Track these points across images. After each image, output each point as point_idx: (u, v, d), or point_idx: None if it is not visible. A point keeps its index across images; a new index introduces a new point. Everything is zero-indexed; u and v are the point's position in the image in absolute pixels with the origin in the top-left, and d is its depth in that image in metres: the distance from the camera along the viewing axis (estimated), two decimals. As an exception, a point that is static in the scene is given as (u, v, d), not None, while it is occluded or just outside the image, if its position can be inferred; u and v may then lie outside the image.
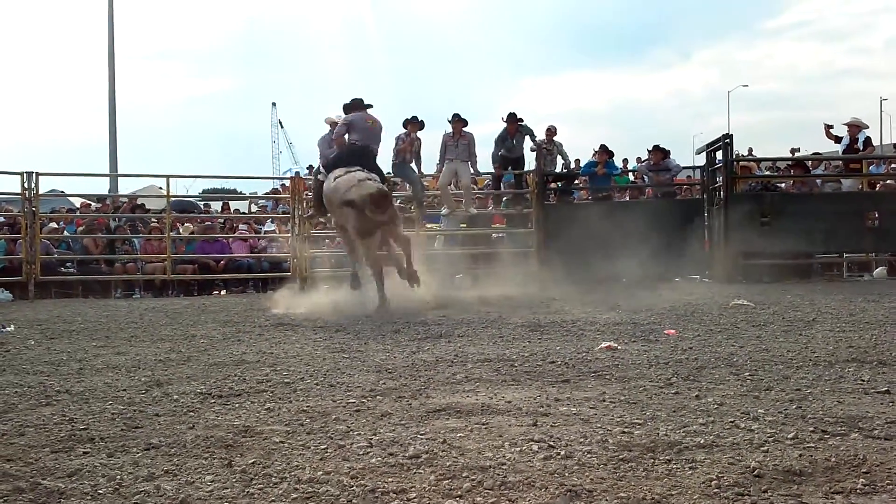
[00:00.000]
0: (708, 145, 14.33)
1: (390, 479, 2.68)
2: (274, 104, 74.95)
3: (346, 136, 10.01)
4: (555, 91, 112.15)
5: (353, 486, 2.62)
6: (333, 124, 12.96)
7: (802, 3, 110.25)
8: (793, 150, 18.76)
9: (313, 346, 6.00)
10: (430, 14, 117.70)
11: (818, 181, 14.57)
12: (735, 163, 13.87)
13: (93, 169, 49.24)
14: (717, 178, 13.61)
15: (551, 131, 14.46)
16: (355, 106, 10.20)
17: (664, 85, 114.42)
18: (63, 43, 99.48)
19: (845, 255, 14.01)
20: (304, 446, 3.12)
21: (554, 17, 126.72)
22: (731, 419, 3.39)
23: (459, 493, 2.55)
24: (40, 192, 13.01)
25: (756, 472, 2.67)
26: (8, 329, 7.58)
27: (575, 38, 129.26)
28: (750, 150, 21.42)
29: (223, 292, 13.67)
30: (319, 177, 9.95)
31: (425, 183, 14.17)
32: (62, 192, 17.95)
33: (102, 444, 3.22)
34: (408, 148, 13.23)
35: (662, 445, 3.00)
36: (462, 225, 14.23)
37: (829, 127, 13.99)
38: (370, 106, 10.21)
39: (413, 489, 2.58)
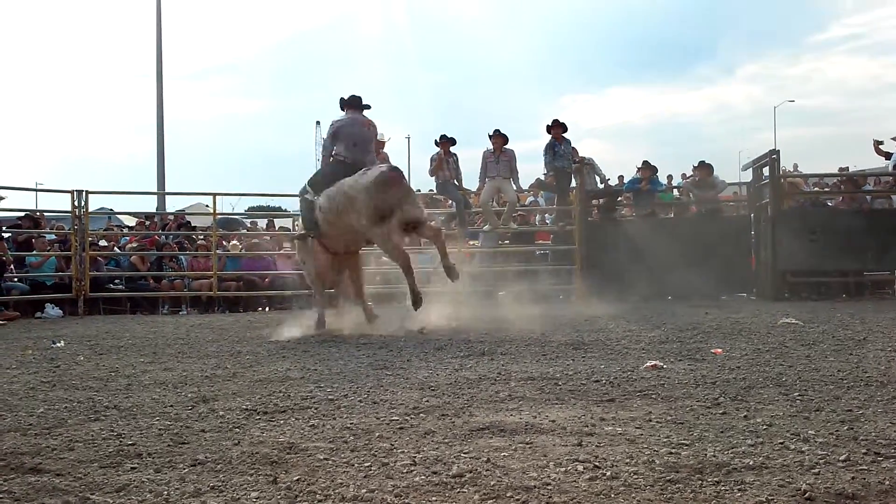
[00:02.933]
0: (754, 161, 14.18)
1: (434, 498, 2.68)
2: (318, 122, 75.03)
3: (334, 148, 8.80)
4: (596, 107, 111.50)
5: (397, 505, 2.61)
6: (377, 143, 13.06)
7: (852, 17, 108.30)
8: (841, 170, 18.42)
9: (356, 362, 6.02)
10: (469, 31, 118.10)
11: (868, 197, 14.31)
12: (782, 179, 13.70)
13: (140, 187, 50.07)
14: (764, 195, 13.46)
15: (576, 150, 14.36)
16: (352, 104, 8.95)
17: (708, 101, 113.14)
18: (111, 63, 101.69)
19: (896, 272, 13.72)
20: (348, 464, 3.12)
21: (594, 34, 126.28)
22: (781, 440, 3.33)
23: (504, 512, 2.53)
24: (90, 209, 13.29)
25: (807, 494, 2.62)
26: (58, 345, 7.72)
27: (615, 54, 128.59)
28: (795, 165, 21.12)
29: (268, 308, 13.78)
30: (307, 196, 8.81)
31: (468, 199, 14.20)
32: (111, 209, 18.30)
33: (150, 459, 3.26)
34: (439, 167, 13.27)
35: (710, 467, 2.95)
36: (505, 242, 14.21)
37: (878, 143, 13.79)
38: (367, 107, 9.00)
39: (457, 508, 2.57)
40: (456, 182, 13.59)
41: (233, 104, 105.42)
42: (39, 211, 15.06)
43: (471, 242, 14.38)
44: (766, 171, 13.41)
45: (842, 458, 3.04)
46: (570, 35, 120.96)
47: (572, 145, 13.98)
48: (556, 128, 13.65)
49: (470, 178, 13.90)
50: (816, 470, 2.90)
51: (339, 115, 9.01)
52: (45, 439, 3.63)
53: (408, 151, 57.06)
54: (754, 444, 3.27)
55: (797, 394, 4.39)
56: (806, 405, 4.10)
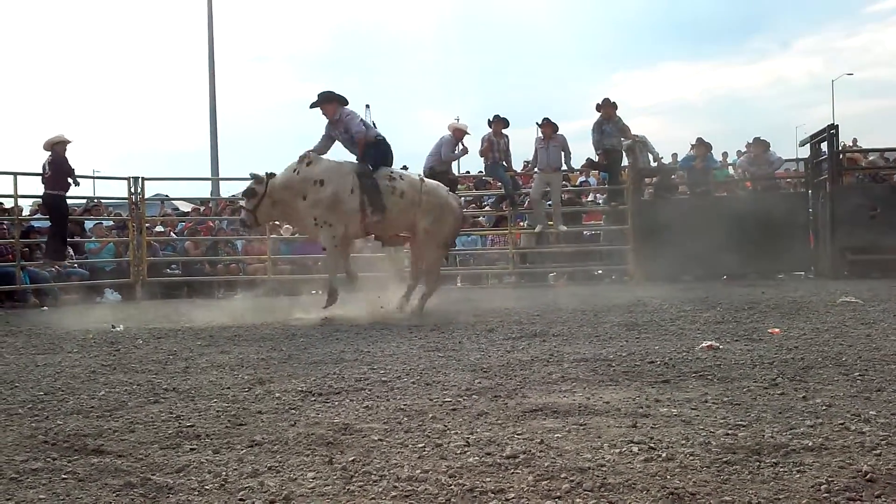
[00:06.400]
0: (812, 136, 13.88)
1: (488, 479, 2.68)
2: (367, 106, 75.46)
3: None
4: (649, 84, 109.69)
5: (451, 485, 2.62)
6: (457, 130, 13.02)
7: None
8: (904, 140, 17.90)
9: (409, 344, 6.05)
10: (517, 10, 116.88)
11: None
12: (841, 154, 13.38)
13: (195, 173, 50.84)
14: (822, 171, 13.16)
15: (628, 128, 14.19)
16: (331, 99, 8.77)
17: (764, 75, 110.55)
18: (164, 51, 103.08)
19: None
20: (403, 444, 3.14)
21: (645, 8, 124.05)
22: (841, 421, 3.27)
23: (558, 494, 2.53)
24: (146, 196, 13.53)
25: (868, 476, 2.56)
26: (118, 329, 7.90)
27: (667, 28, 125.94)
28: (854, 140, 20.59)
29: (320, 292, 13.88)
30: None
31: (517, 181, 14.17)
32: (166, 195, 18.59)
33: (208, 440, 3.32)
34: (489, 148, 13.23)
35: (768, 448, 2.91)
36: (561, 227, 14.07)
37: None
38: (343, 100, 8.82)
39: (511, 489, 2.57)
40: (505, 164, 13.55)
41: (286, 89, 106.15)
42: (97, 198, 15.40)
43: (520, 223, 14.33)
44: (824, 146, 13.12)
45: (905, 439, 2.98)
46: (622, 10, 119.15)
47: (624, 122, 13.82)
48: (606, 107, 13.51)
49: (517, 158, 13.88)
50: (878, 451, 2.84)
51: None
52: (107, 421, 3.71)
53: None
54: (813, 425, 3.21)
55: (857, 374, 4.30)
56: (867, 385, 4.01)
